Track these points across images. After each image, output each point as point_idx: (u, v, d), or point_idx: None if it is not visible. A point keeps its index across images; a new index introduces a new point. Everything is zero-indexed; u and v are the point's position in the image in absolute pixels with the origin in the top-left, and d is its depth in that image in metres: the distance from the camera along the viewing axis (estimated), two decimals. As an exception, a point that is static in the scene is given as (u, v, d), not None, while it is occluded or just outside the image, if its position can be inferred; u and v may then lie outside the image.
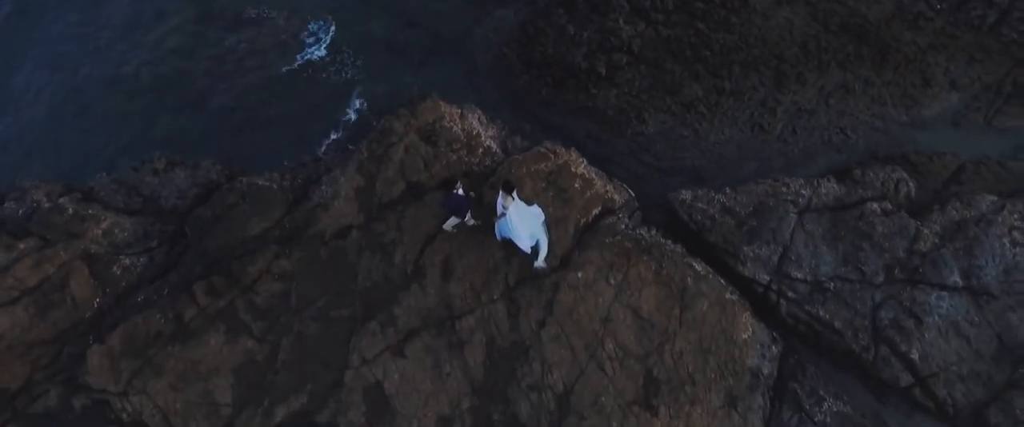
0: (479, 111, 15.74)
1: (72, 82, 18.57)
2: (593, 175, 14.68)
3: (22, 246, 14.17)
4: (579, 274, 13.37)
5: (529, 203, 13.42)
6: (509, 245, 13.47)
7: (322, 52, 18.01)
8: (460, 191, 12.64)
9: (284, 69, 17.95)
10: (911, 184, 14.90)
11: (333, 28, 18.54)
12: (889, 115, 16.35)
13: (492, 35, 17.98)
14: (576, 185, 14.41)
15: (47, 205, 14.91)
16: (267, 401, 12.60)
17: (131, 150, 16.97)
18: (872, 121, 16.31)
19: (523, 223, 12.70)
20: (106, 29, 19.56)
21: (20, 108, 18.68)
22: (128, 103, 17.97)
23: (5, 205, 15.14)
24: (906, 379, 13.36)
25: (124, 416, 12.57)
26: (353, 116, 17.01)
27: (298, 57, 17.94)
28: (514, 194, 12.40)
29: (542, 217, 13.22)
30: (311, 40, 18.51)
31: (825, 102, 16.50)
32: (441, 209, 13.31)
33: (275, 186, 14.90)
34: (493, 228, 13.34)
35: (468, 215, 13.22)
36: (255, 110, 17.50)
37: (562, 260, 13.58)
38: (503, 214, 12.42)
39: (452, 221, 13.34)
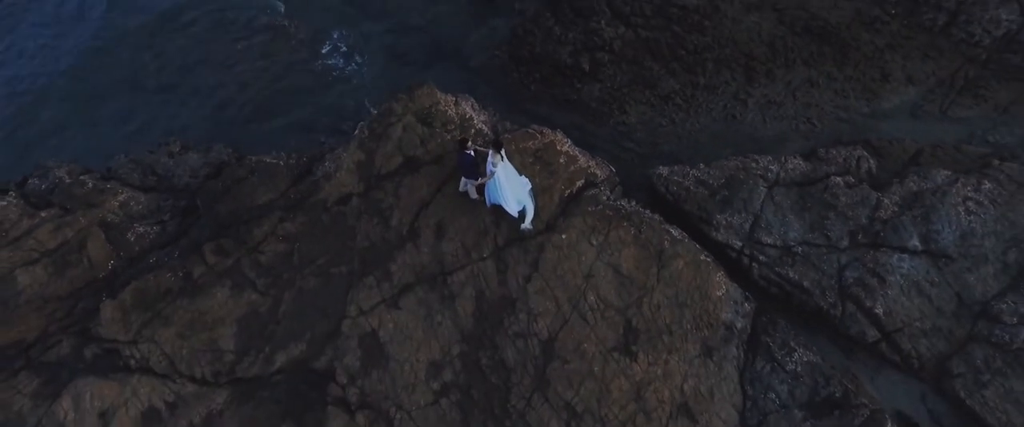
0: (472, 99, 17.03)
1: (88, 78, 20.10)
2: (577, 152, 15.81)
3: (44, 214, 15.17)
4: (563, 236, 14.30)
5: (518, 174, 14.51)
6: (498, 210, 14.47)
7: (329, 57, 19.55)
8: (471, 152, 13.66)
9: (293, 71, 19.43)
10: (871, 162, 16.03)
11: (339, 35, 20.13)
12: (852, 107, 17.65)
13: (486, 40, 19.55)
14: (561, 160, 15.52)
15: (68, 181, 15.99)
16: (268, 348, 13.31)
17: (143, 140, 18.26)
18: (836, 112, 17.59)
19: (510, 184, 13.73)
20: (125, 33, 21.18)
21: (35, 101, 20.14)
22: (141, 99, 19.38)
23: (29, 182, 16.20)
24: (872, 334, 14.09)
25: (132, 362, 13.25)
26: (355, 109, 18.34)
27: (306, 60, 19.44)
28: (502, 153, 13.49)
29: (529, 186, 14.27)
30: (319, 46, 20.07)
31: (792, 95, 17.83)
32: (456, 169, 14.29)
33: (281, 163, 16.03)
34: (483, 195, 14.40)
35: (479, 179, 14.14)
36: (264, 107, 18.88)
37: (547, 225, 14.53)
38: (492, 173, 13.47)
39: (465, 183, 14.29)
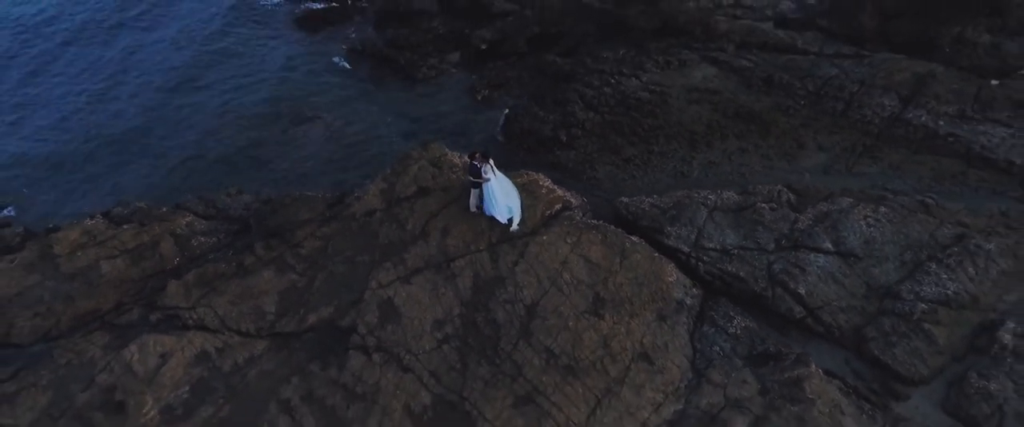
0: (473, 154, 21.40)
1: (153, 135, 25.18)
2: (555, 186, 19.72)
3: (126, 227, 18.63)
4: (544, 237, 17.71)
5: (510, 182, 18.34)
6: (493, 220, 17.98)
7: (358, 136, 24.46)
8: (477, 162, 17.51)
9: (323, 149, 24.17)
10: (791, 195, 19.87)
11: (365, 123, 25.22)
12: (776, 166, 21.92)
13: (484, 124, 24.48)
14: (542, 191, 19.38)
15: (146, 208, 19.66)
16: (302, 311, 16.06)
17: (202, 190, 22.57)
18: (764, 170, 21.81)
19: (501, 190, 17.43)
20: (186, 105, 26.58)
21: (63, 145, 24.95)
22: (201, 164, 23.97)
23: (113, 211, 19.85)
24: (799, 311, 16.87)
25: (190, 322, 15.91)
26: (380, 169, 22.81)
27: (338, 138, 24.24)
28: (491, 163, 17.35)
29: (516, 192, 17.99)
30: (349, 130, 25.04)
31: (728, 158, 22.20)
32: (466, 178, 18.05)
33: (319, 196, 19.85)
34: (480, 206, 18.03)
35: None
36: (303, 171, 23.27)
37: (532, 232, 17.97)
38: (488, 179, 17.24)
39: (473, 198, 17.90)
